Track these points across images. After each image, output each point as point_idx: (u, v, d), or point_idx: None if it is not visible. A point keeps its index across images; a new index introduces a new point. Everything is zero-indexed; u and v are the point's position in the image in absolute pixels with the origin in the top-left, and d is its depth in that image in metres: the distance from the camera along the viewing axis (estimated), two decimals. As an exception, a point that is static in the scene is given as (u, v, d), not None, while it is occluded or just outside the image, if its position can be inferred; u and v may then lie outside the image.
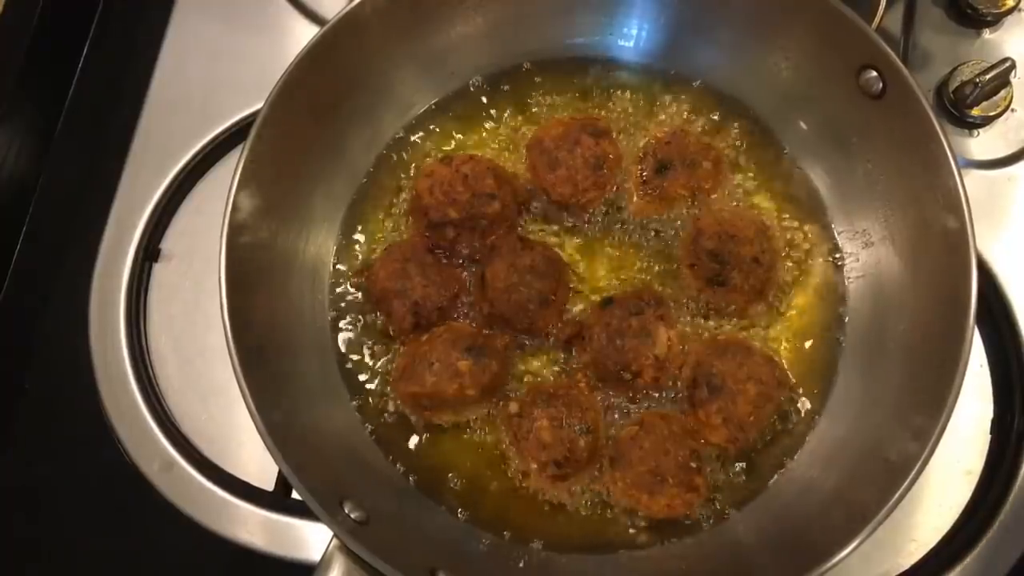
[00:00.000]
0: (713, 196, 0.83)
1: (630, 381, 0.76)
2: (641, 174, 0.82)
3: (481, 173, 0.78)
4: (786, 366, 0.79)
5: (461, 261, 0.81)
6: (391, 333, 0.80)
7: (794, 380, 0.79)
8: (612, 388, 0.78)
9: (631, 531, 0.76)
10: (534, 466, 0.75)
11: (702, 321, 0.80)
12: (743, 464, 0.77)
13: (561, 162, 0.79)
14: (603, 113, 0.86)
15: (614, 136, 0.83)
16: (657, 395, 0.78)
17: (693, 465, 0.73)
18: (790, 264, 0.82)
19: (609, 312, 0.77)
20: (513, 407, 0.77)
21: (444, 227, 0.79)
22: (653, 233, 0.83)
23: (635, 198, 0.82)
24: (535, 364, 0.80)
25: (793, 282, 0.82)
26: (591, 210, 0.82)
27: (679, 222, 0.82)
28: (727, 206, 0.82)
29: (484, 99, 0.87)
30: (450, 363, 0.74)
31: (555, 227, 0.83)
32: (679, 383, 0.78)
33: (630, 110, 0.86)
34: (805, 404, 0.79)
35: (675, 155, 0.81)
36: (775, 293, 0.81)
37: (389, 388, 0.79)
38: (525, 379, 0.79)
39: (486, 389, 0.76)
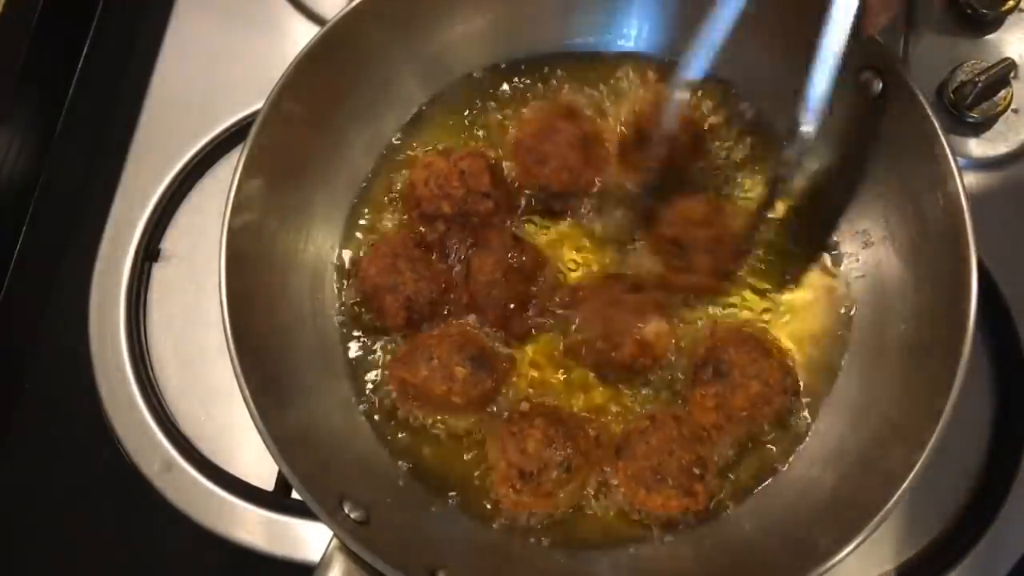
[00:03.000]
0: (692, 170, 0.82)
1: (620, 361, 0.76)
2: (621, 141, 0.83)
3: (478, 171, 0.78)
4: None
5: (449, 256, 0.81)
6: (379, 328, 0.80)
7: (800, 385, 0.79)
8: (607, 372, 0.78)
9: (631, 531, 0.76)
10: (502, 463, 0.74)
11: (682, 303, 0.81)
12: (743, 464, 0.77)
13: (549, 154, 0.79)
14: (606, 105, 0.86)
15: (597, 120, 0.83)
16: (659, 380, 0.78)
17: (696, 472, 0.73)
18: (789, 264, 0.82)
19: (597, 294, 0.77)
20: (524, 406, 0.77)
21: (435, 220, 0.79)
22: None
23: (613, 170, 0.82)
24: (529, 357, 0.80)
25: (793, 282, 0.82)
26: (590, 192, 0.82)
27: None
28: (698, 188, 0.82)
29: (484, 100, 0.87)
30: (448, 365, 0.74)
31: (548, 220, 0.83)
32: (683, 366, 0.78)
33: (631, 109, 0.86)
34: (805, 404, 0.79)
35: (654, 126, 0.80)
36: (743, 273, 0.81)
37: (388, 385, 0.79)
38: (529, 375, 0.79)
39: (472, 402, 0.76)
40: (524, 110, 0.85)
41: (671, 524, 0.75)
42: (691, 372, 0.78)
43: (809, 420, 0.78)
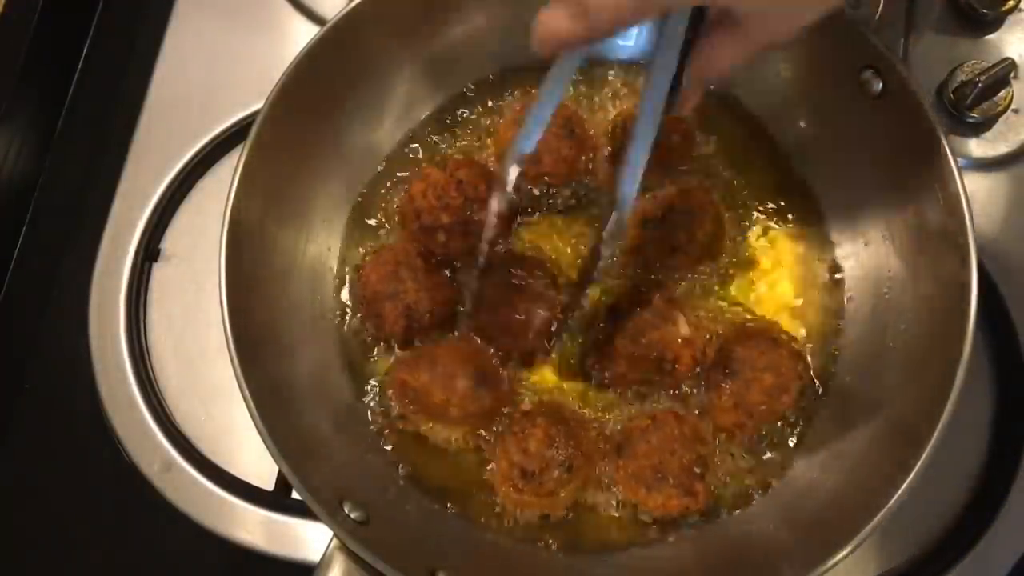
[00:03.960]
0: (682, 169, 0.82)
1: (670, 371, 0.76)
2: (610, 146, 0.83)
3: (476, 179, 0.78)
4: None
5: (452, 266, 0.81)
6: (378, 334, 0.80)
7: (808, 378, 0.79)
8: (647, 388, 0.78)
9: (631, 531, 0.76)
10: (504, 462, 0.74)
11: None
12: (744, 464, 0.77)
13: (540, 150, 0.79)
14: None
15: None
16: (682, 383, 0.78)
17: (697, 471, 0.73)
18: (789, 265, 0.82)
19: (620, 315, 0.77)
20: (526, 405, 0.77)
21: (435, 231, 0.79)
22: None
23: (603, 170, 0.83)
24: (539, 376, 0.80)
25: (792, 283, 0.82)
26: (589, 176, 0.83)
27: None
28: (687, 183, 0.82)
29: (485, 101, 0.87)
30: (452, 376, 0.74)
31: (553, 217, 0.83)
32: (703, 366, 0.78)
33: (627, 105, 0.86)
34: (806, 405, 0.79)
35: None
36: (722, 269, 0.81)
37: (388, 388, 0.79)
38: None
39: (470, 416, 0.75)
40: (500, 118, 0.85)
41: (671, 524, 0.75)
42: (704, 375, 0.77)
43: (809, 421, 0.78)
